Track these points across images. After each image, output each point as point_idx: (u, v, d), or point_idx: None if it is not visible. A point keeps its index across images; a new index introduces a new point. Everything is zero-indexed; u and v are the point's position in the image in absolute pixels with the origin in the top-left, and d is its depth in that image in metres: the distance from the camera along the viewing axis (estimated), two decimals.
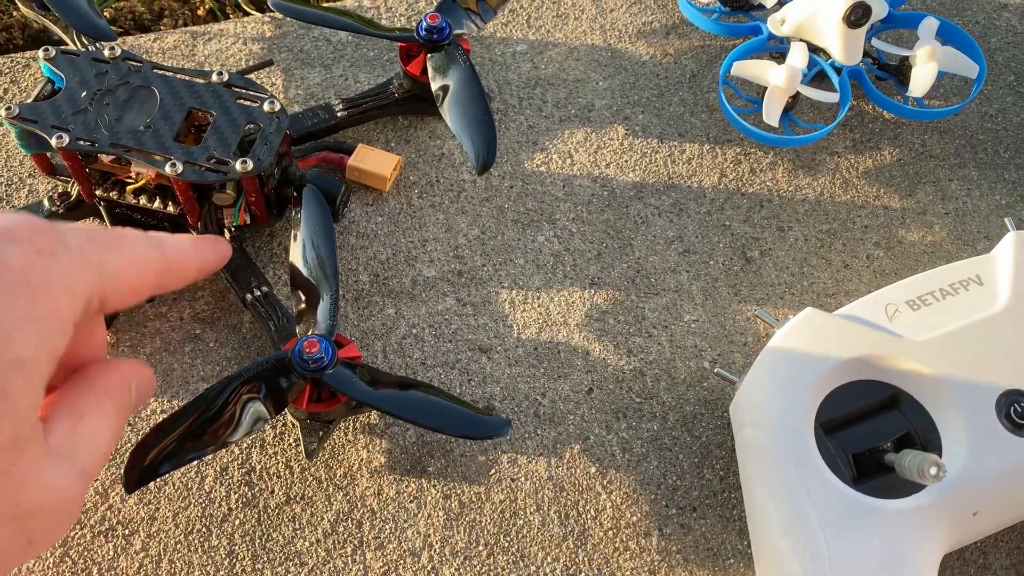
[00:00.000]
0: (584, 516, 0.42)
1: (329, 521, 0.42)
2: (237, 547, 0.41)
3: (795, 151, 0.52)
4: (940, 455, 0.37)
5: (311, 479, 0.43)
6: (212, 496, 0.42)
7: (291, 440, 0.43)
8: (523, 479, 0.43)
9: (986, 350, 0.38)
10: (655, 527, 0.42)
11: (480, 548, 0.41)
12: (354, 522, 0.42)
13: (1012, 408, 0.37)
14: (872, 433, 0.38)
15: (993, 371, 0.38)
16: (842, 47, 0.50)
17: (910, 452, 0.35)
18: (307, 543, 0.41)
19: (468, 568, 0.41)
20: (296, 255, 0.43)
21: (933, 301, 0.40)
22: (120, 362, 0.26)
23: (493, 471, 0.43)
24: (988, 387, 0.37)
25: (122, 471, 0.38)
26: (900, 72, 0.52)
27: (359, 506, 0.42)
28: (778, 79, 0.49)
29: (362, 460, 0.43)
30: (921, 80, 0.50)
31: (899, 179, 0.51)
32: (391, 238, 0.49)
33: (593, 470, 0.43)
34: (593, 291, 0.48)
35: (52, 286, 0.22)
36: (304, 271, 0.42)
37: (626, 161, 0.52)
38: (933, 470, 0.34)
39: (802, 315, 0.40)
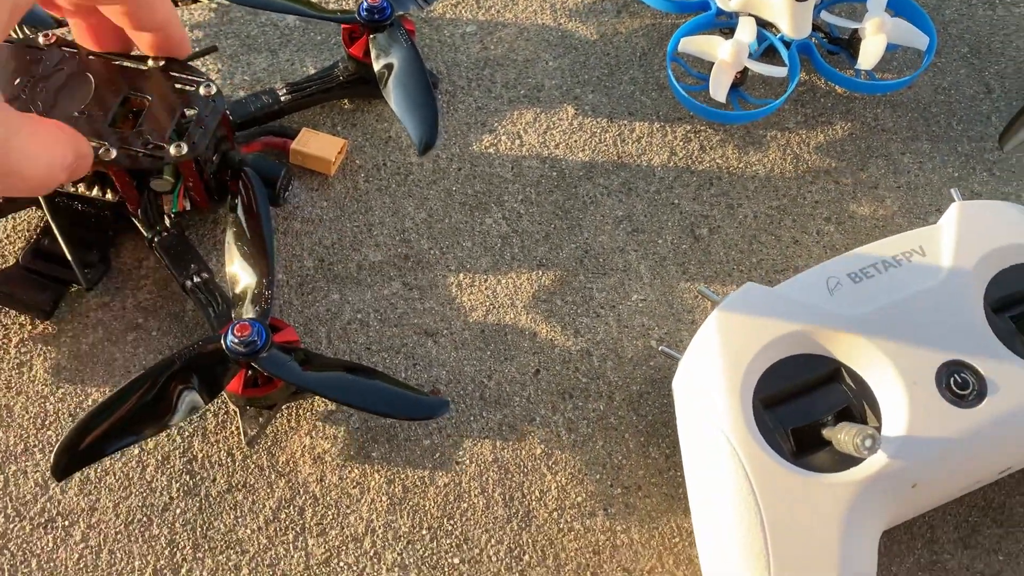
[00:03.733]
0: (529, 497, 0.42)
1: (271, 508, 0.41)
2: (178, 536, 0.41)
3: (746, 128, 0.52)
4: (880, 428, 0.36)
5: (253, 466, 0.42)
6: (153, 485, 0.42)
7: (233, 428, 0.43)
8: (468, 462, 0.42)
9: (927, 321, 0.38)
10: (600, 507, 0.41)
11: (423, 532, 0.41)
12: (296, 509, 0.41)
13: (952, 379, 0.36)
14: (811, 407, 0.37)
15: (934, 342, 0.37)
16: (790, 21, 0.49)
17: (845, 425, 0.35)
18: (248, 530, 0.41)
19: (411, 552, 0.40)
20: (231, 239, 0.42)
21: (875, 273, 0.39)
22: None
23: (438, 454, 0.42)
24: (929, 358, 0.37)
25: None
26: (851, 45, 0.51)
27: (301, 493, 0.42)
28: (724, 53, 0.48)
29: (305, 447, 0.43)
30: (870, 53, 0.49)
31: (851, 153, 0.51)
32: (336, 223, 0.48)
33: (539, 451, 0.43)
34: (541, 272, 0.47)
35: None
36: (239, 255, 0.42)
37: (575, 141, 0.51)
38: (867, 442, 0.34)
39: (742, 290, 0.39)
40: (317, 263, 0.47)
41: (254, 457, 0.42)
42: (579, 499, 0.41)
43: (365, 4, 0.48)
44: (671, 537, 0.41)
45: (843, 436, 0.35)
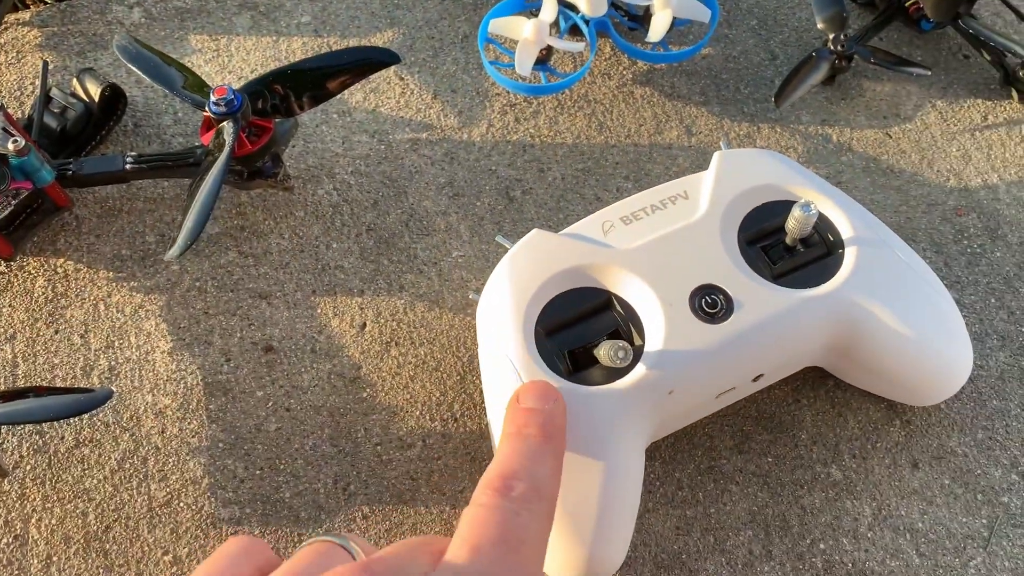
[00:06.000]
0: (354, 435, 0.46)
1: (116, 460, 0.45)
2: (28, 490, 0.44)
3: (557, 100, 0.57)
4: (644, 345, 0.41)
5: (99, 423, 0.46)
6: (4, 447, 0.45)
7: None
8: (298, 408, 0.47)
9: (684, 253, 0.43)
10: (419, 439, 0.46)
11: (256, 471, 0.45)
12: (139, 459, 0.45)
13: (704, 300, 0.42)
14: (586, 332, 0.42)
15: (689, 271, 0.42)
16: (587, 1, 0.55)
17: (605, 343, 0.40)
18: (95, 480, 0.44)
19: (245, 489, 0.44)
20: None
21: (644, 216, 0.45)
22: None
23: (270, 403, 0.47)
24: (684, 284, 0.42)
25: None
26: (646, 21, 0.57)
27: (144, 444, 0.45)
28: (527, 32, 0.53)
29: (147, 404, 0.46)
30: (657, 26, 0.55)
31: (649, 119, 0.56)
32: (177, 201, 0.52)
33: (364, 395, 0.47)
34: (369, 236, 0.52)
35: None
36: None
37: (402, 117, 0.56)
38: (620, 353, 0.39)
39: (529, 235, 0.44)
40: (159, 238, 0.51)
41: (100, 415, 0.46)
42: (400, 433, 0.46)
43: (213, 98, 0.47)
44: (483, 461, 0.45)
45: (603, 352, 0.40)
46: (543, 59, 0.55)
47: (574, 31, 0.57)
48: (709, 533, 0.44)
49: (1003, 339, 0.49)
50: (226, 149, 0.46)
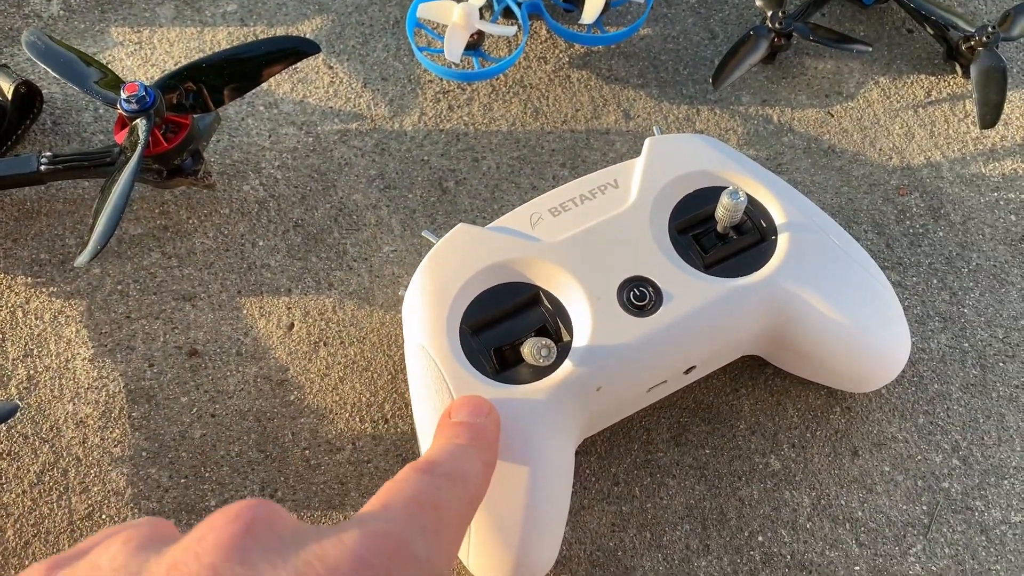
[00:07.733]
0: (282, 440, 0.45)
1: (35, 472, 0.44)
2: None
3: (491, 85, 0.55)
4: (572, 341, 0.40)
5: (18, 435, 0.44)
6: None
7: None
8: (224, 414, 0.45)
9: (612, 244, 0.42)
10: (348, 442, 0.45)
11: (181, 480, 0.44)
12: (60, 471, 0.44)
13: (632, 293, 0.41)
14: (513, 329, 0.41)
15: (617, 263, 0.41)
16: None
17: (529, 340, 0.39)
18: (13, 495, 0.43)
19: (169, 499, 0.43)
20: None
21: (572, 206, 0.43)
22: None
23: (195, 409, 0.45)
24: (611, 276, 0.41)
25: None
26: (582, 3, 0.55)
27: (65, 455, 0.44)
28: (456, 16, 0.52)
29: (68, 413, 0.45)
30: (590, 8, 0.53)
31: (586, 103, 0.55)
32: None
33: (292, 398, 0.46)
34: (296, 232, 0.50)
35: None
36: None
37: (331, 107, 0.54)
38: (543, 352, 0.38)
39: (455, 230, 0.43)
40: (78, 241, 0.49)
41: (19, 427, 0.44)
42: (329, 437, 0.45)
43: (124, 95, 0.45)
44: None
45: (527, 350, 0.39)
46: (475, 44, 0.53)
47: (508, 14, 0.56)
48: (646, 529, 0.43)
49: (945, 320, 0.48)
50: (138, 148, 0.44)
